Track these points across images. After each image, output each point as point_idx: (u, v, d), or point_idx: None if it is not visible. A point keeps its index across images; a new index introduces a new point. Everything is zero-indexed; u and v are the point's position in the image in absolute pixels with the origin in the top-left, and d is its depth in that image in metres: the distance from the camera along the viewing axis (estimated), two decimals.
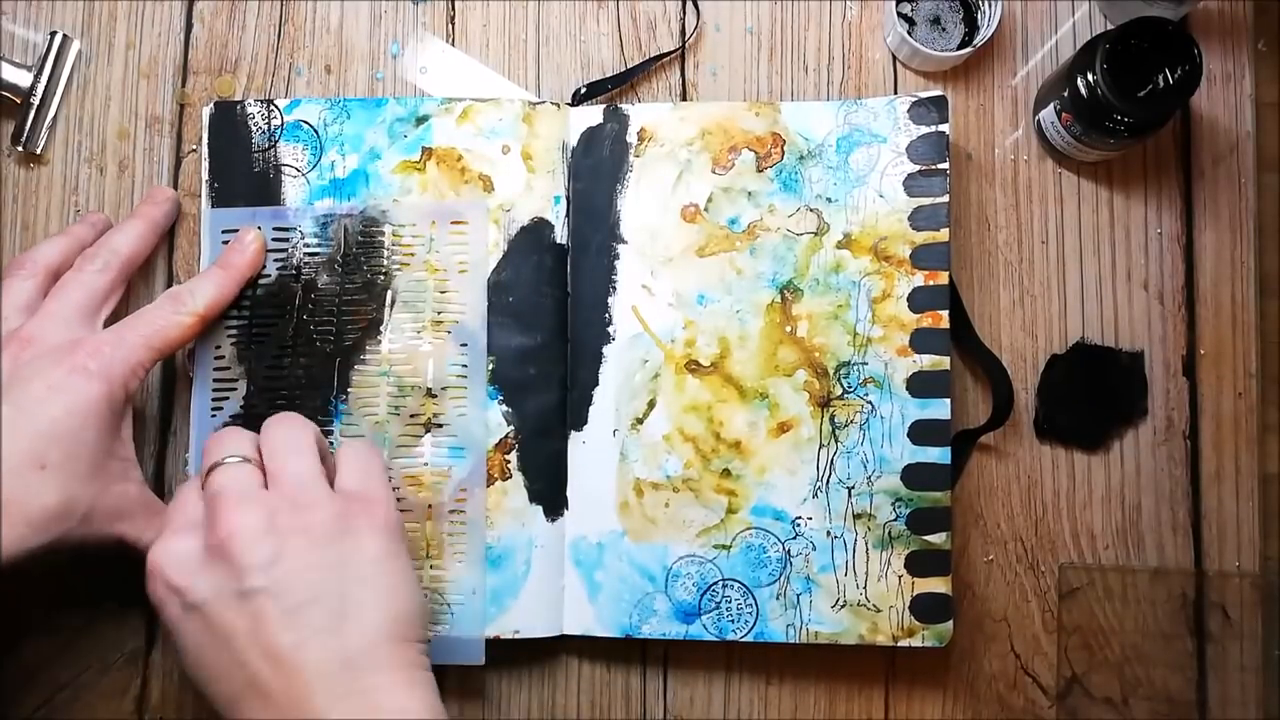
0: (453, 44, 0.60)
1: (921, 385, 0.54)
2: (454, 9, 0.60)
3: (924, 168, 0.55)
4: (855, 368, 0.54)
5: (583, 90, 0.58)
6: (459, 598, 0.53)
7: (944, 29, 0.59)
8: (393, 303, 0.55)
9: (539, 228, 0.55)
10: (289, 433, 0.47)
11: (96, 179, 0.58)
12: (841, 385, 0.54)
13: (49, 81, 0.58)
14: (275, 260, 0.55)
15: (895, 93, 0.59)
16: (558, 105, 0.56)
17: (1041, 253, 0.58)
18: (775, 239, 0.55)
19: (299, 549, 0.43)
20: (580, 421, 0.55)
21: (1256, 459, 0.57)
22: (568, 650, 0.56)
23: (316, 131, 0.56)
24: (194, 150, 0.58)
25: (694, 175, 0.56)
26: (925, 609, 0.53)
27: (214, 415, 0.54)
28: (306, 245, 0.55)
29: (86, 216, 0.56)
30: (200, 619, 0.42)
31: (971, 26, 0.59)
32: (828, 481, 0.54)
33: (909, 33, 0.57)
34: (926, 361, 0.54)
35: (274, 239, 0.55)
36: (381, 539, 0.45)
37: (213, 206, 0.56)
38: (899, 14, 0.58)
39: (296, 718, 0.40)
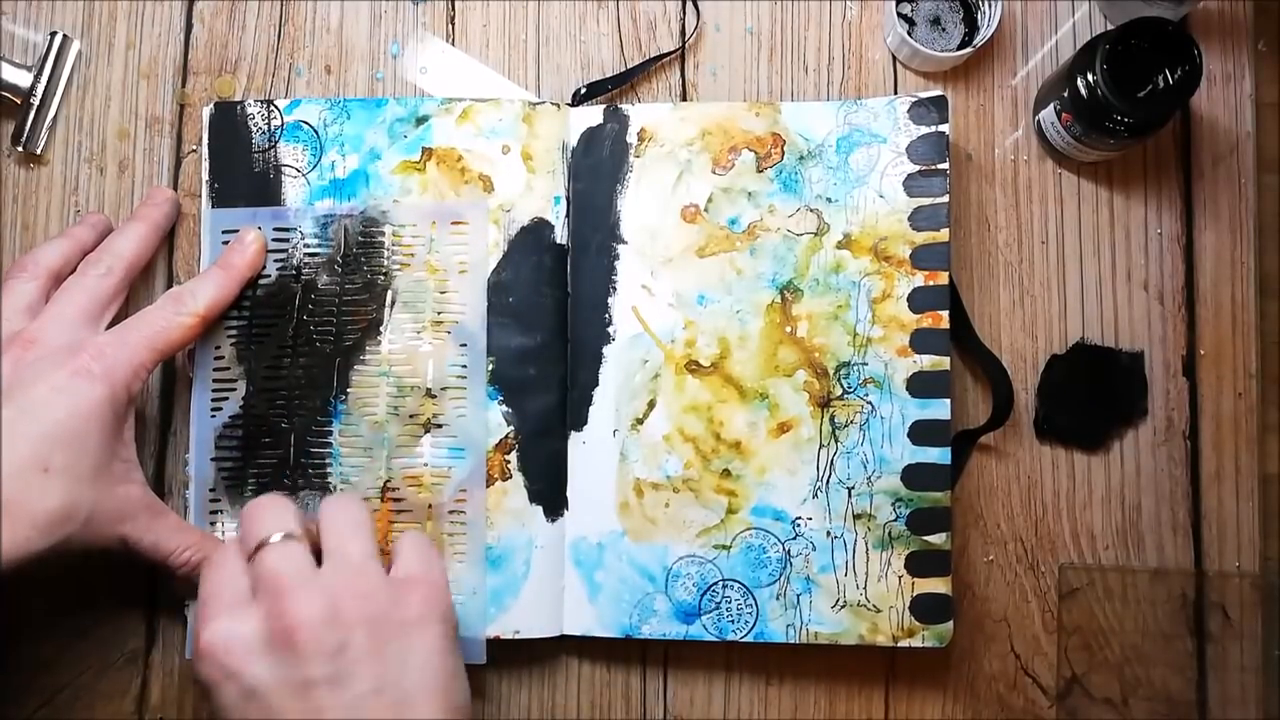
0: (453, 44, 0.60)
1: (921, 385, 0.54)
2: (454, 9, 0.60)
3: (924, 168, 0.55)
4: (855, 368, 0.54)
5: (583, 90, 0.58)
6: (459, 598, 0.53)
7: (944, 29, 0.59)
8: (393, 303, 0.55)
9: (539, 228, 0.55)
10: (351, 513, 0.47)
11: (96, 179, 0.58)
12: (841, 385, 0.54)
13: (49, 81, 0.58)
14: (275, 260, 0.55)
15: (895, 93, 0.59)
16: (558, 105, 0.56)
17: (1041, 253, 0.58)
18: (775, 239, 0.55)
19: (363, 639, 0.43)
20: (580, 422, 0.55)
21: (1256, 459, 0.57)
22: (568, 650, 0.56)
23: (316, 132, 0.56)
24: (194, 150, 0.58)
25: (694, 175, 0.56)
26: (925, 609, 0.53)
27: (214, 415, 0.54)
28: (306, 245, 0.55)
29: (87, 218, 0.56)
30: (259, 705, 0.42)
31: (971, 26, 0.59)
32: (828, 482, 0.54)
33: (909, 33, 0.57)
34: (926, 362, 0.54)
35: (274, 239, 0.55)
36: (440, 629, 0.45)
37: (213, 207, 0.56)
38: (899, 14, 0.58)
39: None
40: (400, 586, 0.45)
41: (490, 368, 0.54)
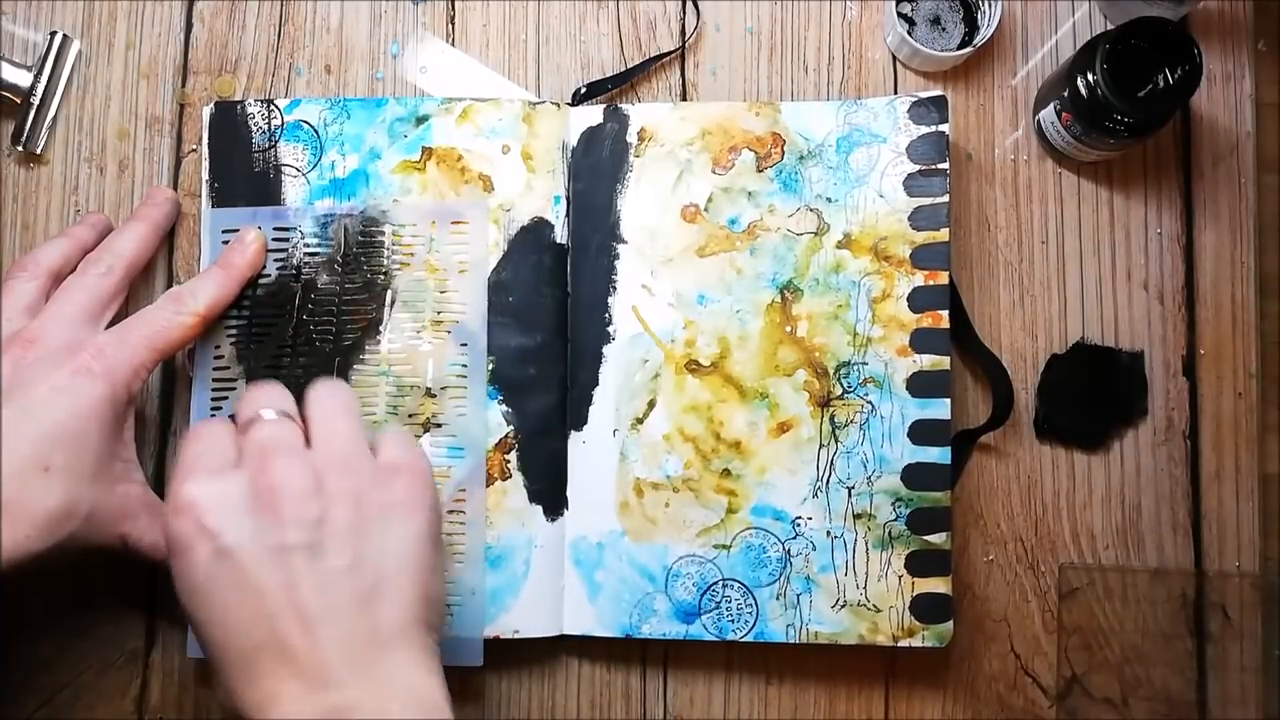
0: (453, 44, 0.60)
1: (921, 385, 0.54)
2: (454, 9, 0.60)
3: (924, 168, 0.55)
4: (855, 368, 0.54)
5: (583, 90, 0.58)
6: (458, 598, 0.53)
7: (944, 29, 0.59)
8: (393, 303, 0.55)
9: (539, 228, 0.55)
10: (339, 397, 0.47)
11: (96, 179, 0.58)
12: (841, 385, 0.54)
13: (49, 81, 0.58)
14: (275, 260, 0.55)
15: (895, 93, 0.59)
16: (558, 105, 0.56)
17: (1041, 253, 0.58)
18: (775, 239, 0.55)
19: (345, 514, 0.42)
20: (580, 421, 0.55)
21: (1256, 459, 0.57)
22: (568, 650, 0.56)
23: (316, 131, 0.56)
24: (194, 150, 0.58)
25: (694, 175, 0.56)
26: (925, 609, 0.53)
27: (213, 415, 0.54)
28: (306, 245, 0.55)
29: (87, 217, 0.56)
30: (231, 567, 0.41)
31: (971, 26, 0.59)
32: (828, 481, 0.54)
33: (909, 33, 0.57)
34: (926, 361, 0.54)
35: (274, 239, 0.55)
36: (425, 517, 0.44)
37: (213, 206, 0.56)
38: (899, 14, 0.58)
39: (314, 681, 0.40)
40: (386, 471, 0.45)
41: (490, 367, 0.54)
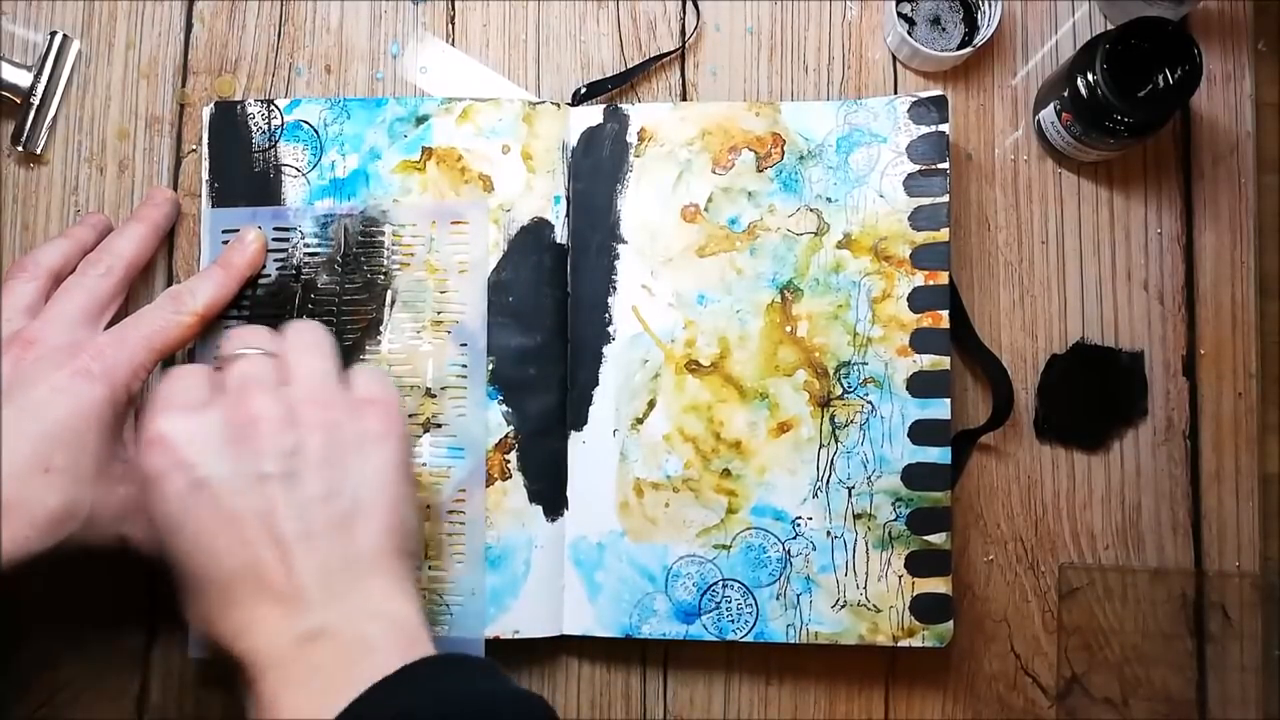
0: (453, 44, 0.60)
1: (921, 385, 0.54)
2: (454, 9, 0.60)
3: (924, 167, 0.55)
4: (855, 368, 0.54)
5: (583, 90, 0.58)
6: (458, 598, 0.53)
7: (944, 29, 0.59)
8: (393, 303, 0.55)
9: (539, 228, 0.55)
10: (313, 335, 0.48)
11: (96, 179, 0.58)
12: (841, 385, 0.54)
13: (49, 81, 0.58)
14: (275, 260, 0.55)
15: (895, 93, 0.59)
16: (558, 105, 0.56)
17: (1041, 253, 0.58)
18: (775, 239, 0.55)
19: (319, 444, 0.43)
20: (580, 421, 0.55)
21: (1256, 459, 0.57)
22: (568, 650, 0.56)
23: (316, 131, 0.56)
24: (194, 150, 0.58)
25: (694, 175, 0.56)
26: (925, 609, 0.53)
27: None
28: (306, 245, 0.55)
29: (87, 218, 0.56)
30: (208, 497, 0.42)
31: (971, 26, 0.59)
32: (828, 481, 0.54)
33: (909, 33, 0.57)
34: (926, 361, 0.54)
35: (274, 239, 0.55)
36: (397, 447, 0.45)
37: (213, 206, 0.56)
38: (899, 14, 0.58)
39: (290, 606, 0.40)
40: (359, 403, 0.46)
41: (490, 367, 0.54)
